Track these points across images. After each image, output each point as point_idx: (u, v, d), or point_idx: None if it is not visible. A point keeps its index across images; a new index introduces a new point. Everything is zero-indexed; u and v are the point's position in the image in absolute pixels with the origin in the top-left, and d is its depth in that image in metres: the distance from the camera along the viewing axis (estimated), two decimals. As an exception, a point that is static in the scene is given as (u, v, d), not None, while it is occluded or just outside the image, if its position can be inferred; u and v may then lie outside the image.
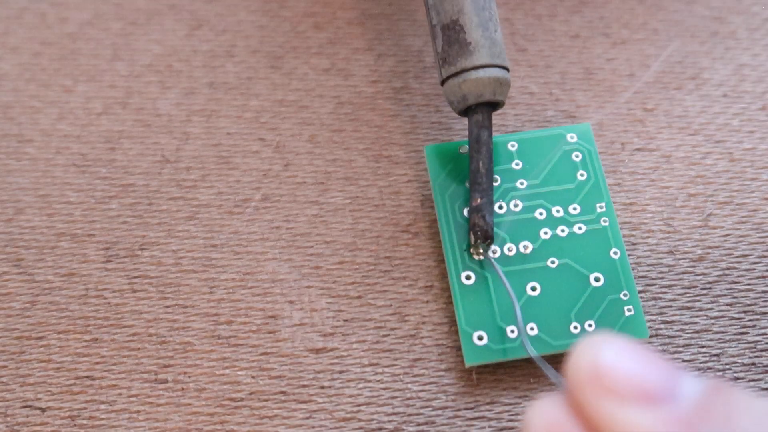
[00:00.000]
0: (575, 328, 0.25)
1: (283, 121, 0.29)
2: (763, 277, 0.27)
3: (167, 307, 0.26)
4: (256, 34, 0.31)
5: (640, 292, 0.26)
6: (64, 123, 0.29)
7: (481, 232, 0.25)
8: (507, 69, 0.26)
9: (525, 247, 0.26)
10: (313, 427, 0.25)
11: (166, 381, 0.25)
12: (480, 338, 0.25)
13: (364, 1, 0.31)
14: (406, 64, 0.30)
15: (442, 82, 0.27)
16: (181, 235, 0.27)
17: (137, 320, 0.26)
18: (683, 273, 0.27)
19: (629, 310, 0.25)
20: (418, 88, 0.30)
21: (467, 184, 0.27)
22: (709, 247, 0.27)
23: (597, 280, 0.26)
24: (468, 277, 0.25)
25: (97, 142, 0.29)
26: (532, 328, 0.25)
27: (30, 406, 0.25)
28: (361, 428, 0.25)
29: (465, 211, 0.26)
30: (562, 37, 0.31)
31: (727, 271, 0.27)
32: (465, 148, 0.27)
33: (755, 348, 0.26)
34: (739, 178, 0.28)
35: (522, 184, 0.27)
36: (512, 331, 0.25)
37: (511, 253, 0.26)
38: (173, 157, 0.29)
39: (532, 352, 0.24)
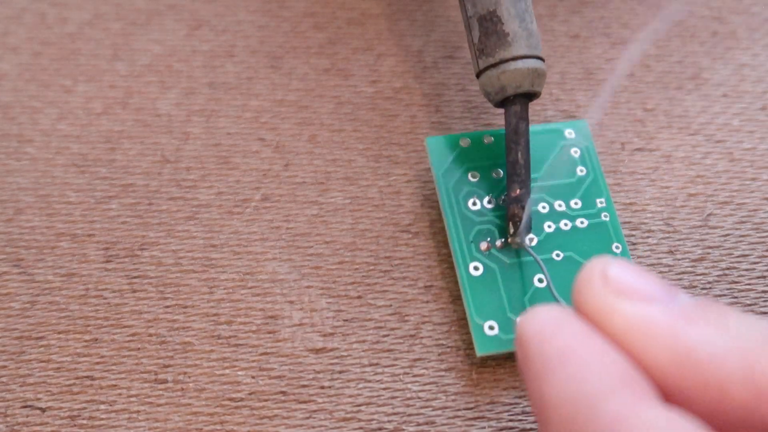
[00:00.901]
0: None
1: (283, 121, 0.29)
2: (763, 277, 0.27)
3: (167, 307, 0.26)
4: (255, 34, 0.31)
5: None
6: (64, 123, 0.29)
7: (520, 222, 0.26)
8: (543, 60, 0.27)
9: (530, 239, 0.26)
10: (313, 427, 0.25)
11: (166, 381, 0.25)
12: (491, 328, 0.25)
13: (364, 1, 0.31)
14: (406, 64, 0.30)
15: (479, 74, 0.27)
16: (181, 235, 0.27)
17: (137, 320, 0.26)
18: (683, 273, 0.27)
19: None
20: (418, 88, 0.30)
21: (471, 177, 0.27)
22: (709, 247, 0.27)
23: None
24: (476, 268, 0.26)
25: (97, 142, 0.29)
26: None
27: (30, 406, 0.25)
28: (361, 428, 0.25)
29: (470, 203, 0.26)
30: (562, 37, 0.31)
31: (727, 271, 0.27)
32: (466, 141, 0.27)
33: (755, 348, 0.26)
34: (739, 178, 0.28)
35: None
36: None
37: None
38: (173, 157, 0.29)
39: (561, 300, 0.24)
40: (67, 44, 0.31)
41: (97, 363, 0.26)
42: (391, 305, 0.26)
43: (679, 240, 0.27)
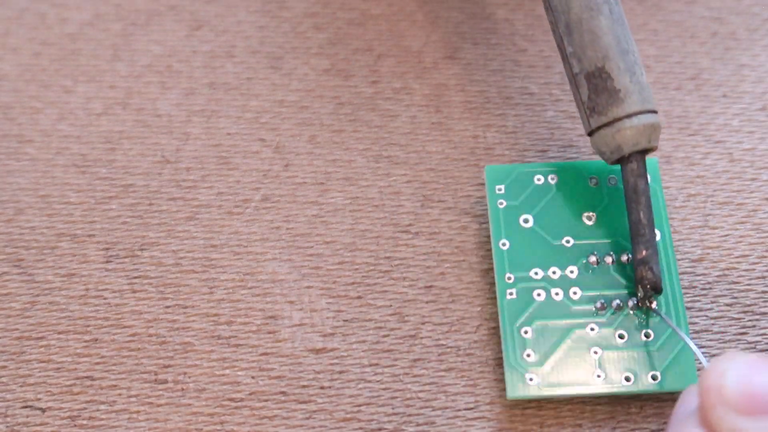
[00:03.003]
0: None
1: (283, 122, 0.29)
2: (763, 277, 0.27)
3: (167, 307, 0.26)
4: (256, 35, 0.31)
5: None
6: (64, 123, 0.29)
7: (650, 285, 0.25)
8: (657, 112, 0.25)
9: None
10: (313, 428, 0.25)
11: (166, 381, 0.25)
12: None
13: (364, 1, 0.31)
14: (406, 64, 0.30)
15: (591, 133, 0.26)
16: (181, 236, 0.28)
17: (137, 320, 0.26)
18: (683, 273, 0.27)
19: None
20: (418, 89, 0.30)
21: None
22: (709, 248, 0.27)
23: None
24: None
25: (97, 143, 0.29)
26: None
27: (30, 407, 0.25)
28: (361, 428, 0.25)
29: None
30: (562, 37, 0.31)
31: (726, 272, 0.27)
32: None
33: (755, 348, 0.26)
34: (738, 179, 0.28)
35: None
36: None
37: None
38: (173, 158, 0.29)
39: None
40: (67, 45, 0.31)
41: (97, 363, 0.26)
42: (391, 305, 0.26)
43: (678, 240, 0.27)
